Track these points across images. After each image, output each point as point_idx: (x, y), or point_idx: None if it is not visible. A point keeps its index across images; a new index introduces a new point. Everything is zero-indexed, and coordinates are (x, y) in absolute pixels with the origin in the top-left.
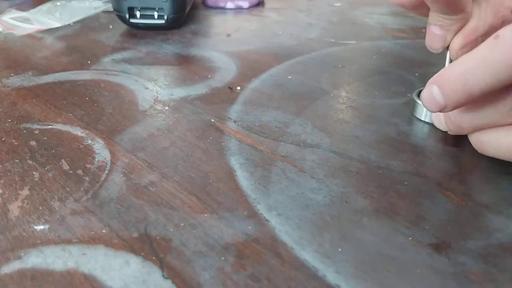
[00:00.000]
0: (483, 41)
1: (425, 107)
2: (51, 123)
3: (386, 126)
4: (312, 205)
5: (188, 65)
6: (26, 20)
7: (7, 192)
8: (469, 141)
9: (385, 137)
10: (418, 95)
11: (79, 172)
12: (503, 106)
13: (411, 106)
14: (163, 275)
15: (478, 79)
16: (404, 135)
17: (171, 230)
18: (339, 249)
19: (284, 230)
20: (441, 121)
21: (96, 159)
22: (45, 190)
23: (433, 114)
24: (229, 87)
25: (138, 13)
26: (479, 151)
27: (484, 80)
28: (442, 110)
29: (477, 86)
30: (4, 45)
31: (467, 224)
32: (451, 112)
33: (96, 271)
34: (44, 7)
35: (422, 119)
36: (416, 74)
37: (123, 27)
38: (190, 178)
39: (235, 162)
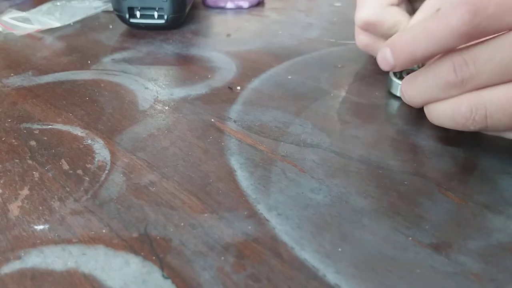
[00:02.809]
0: None
1: (380, 66)
2: (51, 123)
3: (386, 126)
4: (312, 205)
5: (188, 65)
6: (26, 20)
7: (7, 192)
8: (468, 141)
9: (385, 137)
10: (394, 73)
11: (79, 172)
12: (441, 80)
13: (388, 83)
14: (163, 275)
15: (420, 45)
16: (404, 135)
17: (171, 230)
18: (339, 249)
19: (284, 230)
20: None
21: (96, 159)
22: (45, 190)
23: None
24: (229, 87)
25: (138, 13)
26: (430, 121)
27: (425, 46)
28: (392, 69)
29: (419, 51)
30: (4, 45)
31: (467, 224)
32: (404, 89)
33: (96, 271)
34: (44, 7)
35: (398, 95)
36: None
37: (123, 27)
38: (190, 178)
39: (235, 162)
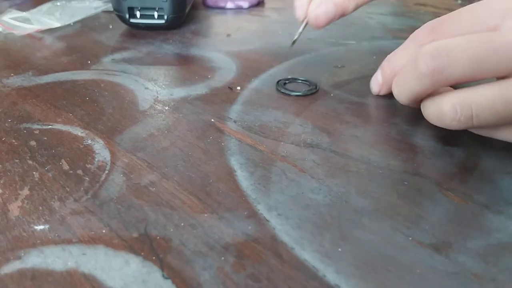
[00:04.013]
0: None
1: (371, 88)
2: (51, 123)
3: (386, 126)
4: (312, 205)
5: (188, 65)
6: (26, 20)
7: (7, 192)
8: (468, 141)
9: (385, 137)
10: None
11: (79, 172)
12: (416, 71)
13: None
14: (163, 275)
15: (399, 62)
16: (404, 135)
17: (171, 230)
18: (339, 249)
19: (284, 230)
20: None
21: (96, 159)
22: (45, 190)
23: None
24: (229, 87)
25: (138, 13)
26: (425, 117)
27: (402, 61)
28: (380, 88)
29: (400, 66)
30: (4, 45)
31: (467, 224)
32: (392, 87)
33: (96, 271)
34: (44, 7)
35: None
36: None
37: (123, 27)
38: (190, 178)
39: (235, 162)
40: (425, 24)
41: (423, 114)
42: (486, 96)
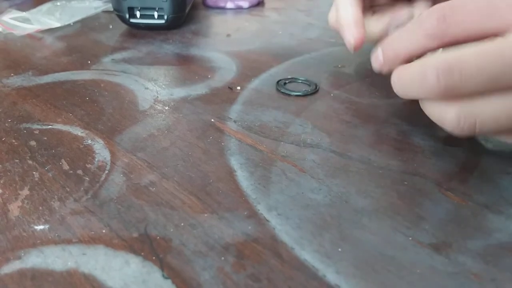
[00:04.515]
0: None
1: (372, 65)
2: (51, 123)
3: (386, 126)
4: (312, 205)
5: (188, 65)
6: (26, 20)
7: (7, 192)
8: (468, 141)
9: (385, 137)
10: None
11: (79, 172)
12: (425, 83)
13: None
14: (163, 275)
15: (402, 44)
16: (404, 135)
17: (171, 230)
18: (339, 249)
19: (284, 230)
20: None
21: (96, 159)
22: (45, 190)
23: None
24: (229, 87)
25: (138, 13)
26: (397, 93)
27: (406, 46)
28: (381, 67)
29: (401, 50)
30: (4, 45)
31: (467, 224)
32: (394, 78)
33: (96, 271)
34: (44, 7)
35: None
36: None
37: (123, 27)
38: (190, 178)
39: (235, 162)
40: (434, 7)
41: (423, 109)
42: (492, 108)
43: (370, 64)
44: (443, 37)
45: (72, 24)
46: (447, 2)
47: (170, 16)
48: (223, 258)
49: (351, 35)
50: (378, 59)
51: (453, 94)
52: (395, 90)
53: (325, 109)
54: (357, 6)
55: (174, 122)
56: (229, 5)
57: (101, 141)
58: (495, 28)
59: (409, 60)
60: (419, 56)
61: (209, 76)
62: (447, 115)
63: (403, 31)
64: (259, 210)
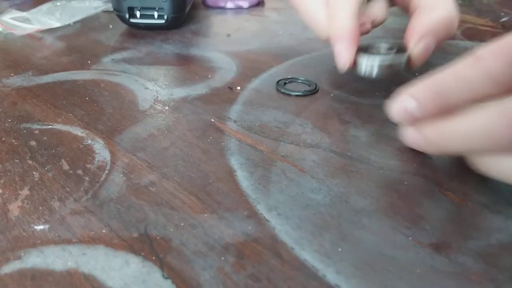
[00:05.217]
0: None
1: (396, 119)
2: (51, 123)
3: (386, 126)
4: (312, 205)
5: (188, 65)
6: (26, 20)
7: (7, 192)
8: None
9: (385, 137)
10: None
11: (79, 172)
12: (492, 132)
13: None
14: (163, 275)
15: (454, 91)
16: None
17: (171, 230)
18: (339, 249)
19: (284, 230)
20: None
21: (96, 159)
22: (45, 190)
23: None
24: (229, 87)
25: (138, 13)
26: (483, 172)
27: (459, 92)
28: (413, 121)
29: (453, 98)
30: (4, 45)
31: (467, 224)
32: (430, 135)
33: (96, 271)
34: (44, 7)
35: (362, 75)
36: (416, 73)
37: (123, 27)
38: (190, 178)
39: (235, 162)
40: (497, 46)
41: (489, 170)
42: None
43: None
44: None
45: (72, 24)
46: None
47: (170, 16)
48: (223, 258)
49: (347, 53)
50: (409, 113)
51: None
52: (428, 149)
53: (325, 109)
54: (356, 18)
55: (174, 122)
56: (229, 5)
57: (101, 141)
58: None
59: (458, 108)
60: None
61: (209, 76)
62: None
63: (449, 78)
64: (259, 210)
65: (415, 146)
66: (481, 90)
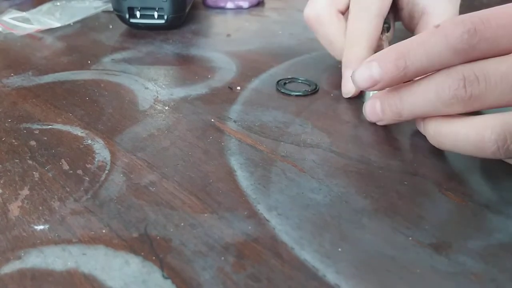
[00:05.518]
0: None
1: (357, 83)
2: (51, 123)
3: (386, 126)
4: (312, 205)
5: (188, 65)
6: (26, 20)
7: (7, 192)
8: None
9: (385, 137)
10: None
11: (79, 172)
12: (446, 93)
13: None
14: (163, 275)
15: (415, 58)
16: (404, 135)
17: (171, 230)
18: (339, 249)
19: (284, 230)
20: (375, 110)
21: (96, 159)
22: (45, 190)
23: (368, 104)
24: (229, 87)
25: (138, 13)
26: (435, 144)
27: (420, 59)
28: (373, 85)
29: (412, 64)
30: (4, 45)
31: (467, 224)
32: (391, 99)
33: (96, 271)
34: (44, 7)
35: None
36: None
37: (123, 27)
38: (190, 178)
39: (235, 162)
40: (461, 18)
41: (438, 139)
42: None
43: None
44: (472, 52)
45: (72, 24)
46: (475, 13)
47: (170, 16)
48: (223, 258)
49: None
50: (372, 76)
51: (474, 103)
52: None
53: (325, 109)
54: (371, 51)
55: (174, 122)
56: (229, 5)
57: (101, 141)
58: None
59: (416, 75)
60: (436, 70)
61: (209, 76)
62: (491, 135)
63: (413, 42)
64: (259, 210)
65: (374, 118)
66: (438, 57)
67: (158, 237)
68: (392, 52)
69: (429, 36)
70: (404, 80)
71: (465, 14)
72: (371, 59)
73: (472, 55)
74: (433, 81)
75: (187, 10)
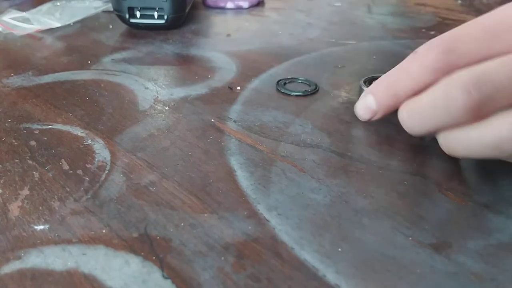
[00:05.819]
0: None
1: (359, 116)
2: (51, 123)
3: (386, 126)
4: (312, 205)
5: (188, 65)
6: (26, 20)
7: (7, 192)
8: None
9: (385, 137)
10: (365, 83)
11: (79, 172)
12: (454, 104)
13: (358, 93)
14: (163, 275)
15: (401, 83)
16: (404, 135)
17: (171, 230)
18: (339, 249)
19: (284, 230)
20: (367, 104)
21: (96, 159)
22: (45, 190)
23: (359, 102)
24: (229, 87)
25: (138, 13)
26: (447, 151)
27: (405, 83)
28: (373, 115)
29: (401, 89)
30: (4, 45)
31: (467, 224)
32: (403, 117)
33: (96, 271)
34: (44, 7)
35: None
36: None
37: (123, 27)
38: (190, 178)
39: (235, 162)
40: (431, 42)
41: (453, 147)
42: None
43: (370, 64)
44: (450, 69)
45: (72, 24)
46: (445, 34)
47: (170, 16)
48: (223, 258)
49: (368, 115)
50: (369, 108)
51: (487, 109)
52: (407, 128)
53: (325, 109)
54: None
55: (174, 122)
56: (229, 5)
57: (101, 141)
58: (498, 51)
59: (407, 97)
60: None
61: (209, 76)
62: (485, 139)
63: (396, 72)
64: (259, 210)
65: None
66: (419, 78)
67: (158, 237)
68: (382, 82)
69: (409, 63)
70: (400, 105)
71: (437, 37)
72: (367, 92)
73: (451, 71)
74: (436, 93)
75: (187, 10)
